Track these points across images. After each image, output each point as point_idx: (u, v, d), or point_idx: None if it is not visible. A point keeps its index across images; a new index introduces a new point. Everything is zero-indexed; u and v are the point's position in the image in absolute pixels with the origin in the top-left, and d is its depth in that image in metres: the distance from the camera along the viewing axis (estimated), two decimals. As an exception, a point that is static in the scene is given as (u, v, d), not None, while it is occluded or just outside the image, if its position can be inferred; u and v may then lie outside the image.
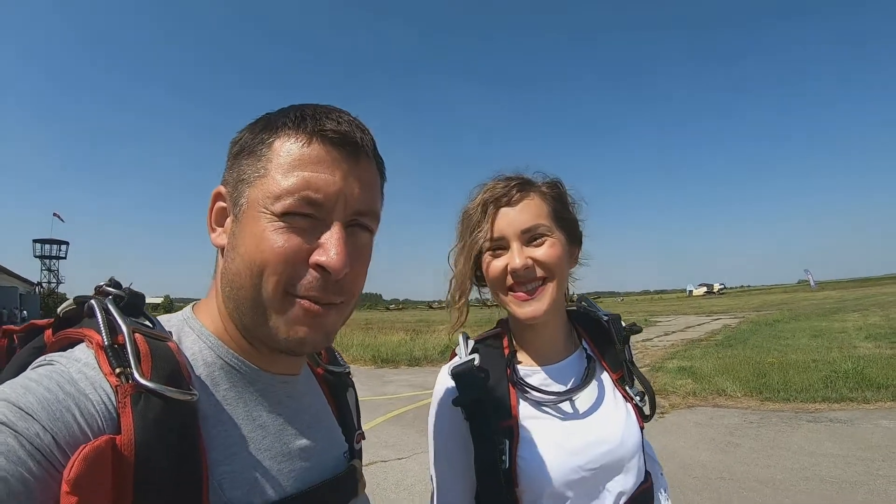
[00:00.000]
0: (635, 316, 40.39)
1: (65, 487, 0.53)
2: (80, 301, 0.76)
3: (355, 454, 0.98)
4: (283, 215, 0.73)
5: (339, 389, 1.03)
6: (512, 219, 1.25)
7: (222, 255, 0.80)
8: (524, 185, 1.29)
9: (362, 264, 0.82)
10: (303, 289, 0.74)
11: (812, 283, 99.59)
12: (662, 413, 8.58)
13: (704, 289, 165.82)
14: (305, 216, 0.74)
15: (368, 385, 12.61)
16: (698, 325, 28.20)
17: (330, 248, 0.74)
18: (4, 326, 0.81)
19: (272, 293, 0.73)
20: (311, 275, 0.74)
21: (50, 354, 0.69)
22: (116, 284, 0.78)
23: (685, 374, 11.31)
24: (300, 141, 0.75)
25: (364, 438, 1.05)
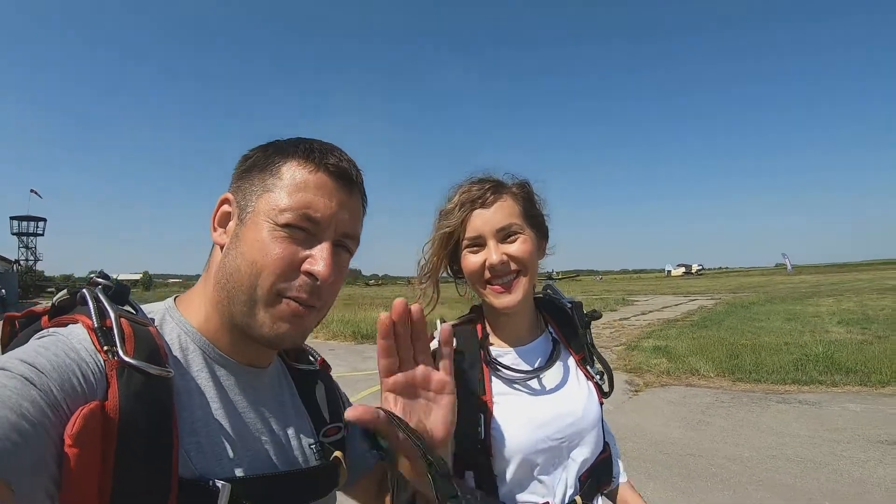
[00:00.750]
0: (613, 295, 40.86)
1: (68, 441, 0.62)
2: (73, 292, 0.85)
3: (327, 448, 1.03)
4: (285, 226, 0.86)
5: (307, 384, 1.10)
6: (487, 219, 1.36)
7: (220, 252, 0.91)
8: (497, 188, 1.40)
9: (340, 278, 0.94)
10: (293, 290, 0.86)
11: (789, 267, 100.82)
12: (636, 391, 8.77)
13: (683, 269, 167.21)
14: (303, 230, 0.87)
15: (349, 361, 12.69)
16: (675, 305, 28.72)
17: (320, 260, 0.87)
18: (7, 314, 0.88)
19: (266, 291, 0.85)
20: (302, 279, 0.87)
21: (51, 328, 0.78)
22: (105, 276, 0.88)
23: (660, 354, 11.56)
24: (307, 168, 0.89)
25: (343, 430, 1.09)
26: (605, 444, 1.46)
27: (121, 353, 0.72)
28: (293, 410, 1.03)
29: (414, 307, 0.92)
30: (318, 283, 0.87)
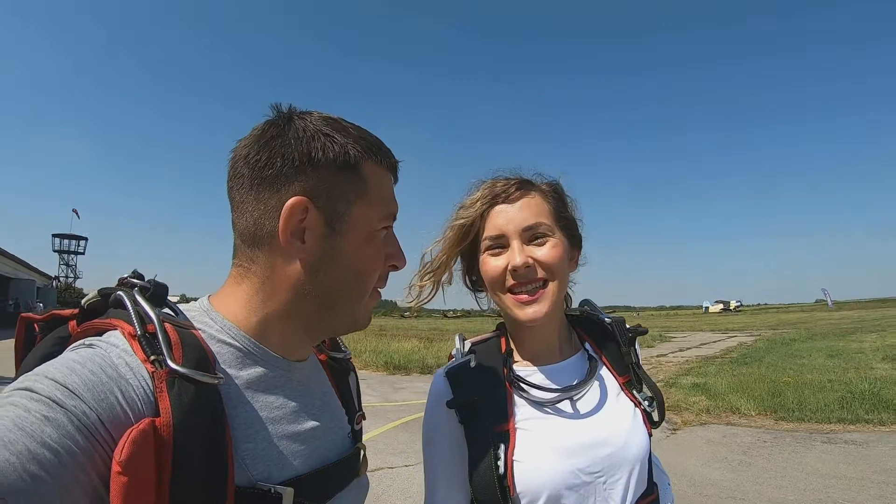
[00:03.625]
0: (650, 331, 40.01)
1: (116, 468, 0.57)
2: (105, 293, 0.81)
3: (357, 435, 1.06)
4: (380, 231, 0.90)
5: (341, 374, 1.10)
6: (512, 216, 1.21)
7: (294, 263, 0.83)
8: (525, 184, 1.27)
9: None
10: (381, 282, 0.94)
11: (829, 303, 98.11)
12: (674, 429, 8.54)
13: (721, 305, 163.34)
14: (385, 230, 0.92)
15: (380, 391, 12.67)
16: (713, 341, 27.91)
17: (401, 256, 0.96)
18: (24, 314, 0.83)
19: (370, 290, 0.92)
20: (386, 272, 0.95)
21: (88, 338, 0.73)
22: (140, 276, 0.84)
23: (699, 391, 11.24)
24: (383, 174, 0.92)
25: (364, 419, 1.12)
26: (654, 485, 1.24)
27: (169, 361, 0.68)
28: (332, 401, 1.01)
29: None
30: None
